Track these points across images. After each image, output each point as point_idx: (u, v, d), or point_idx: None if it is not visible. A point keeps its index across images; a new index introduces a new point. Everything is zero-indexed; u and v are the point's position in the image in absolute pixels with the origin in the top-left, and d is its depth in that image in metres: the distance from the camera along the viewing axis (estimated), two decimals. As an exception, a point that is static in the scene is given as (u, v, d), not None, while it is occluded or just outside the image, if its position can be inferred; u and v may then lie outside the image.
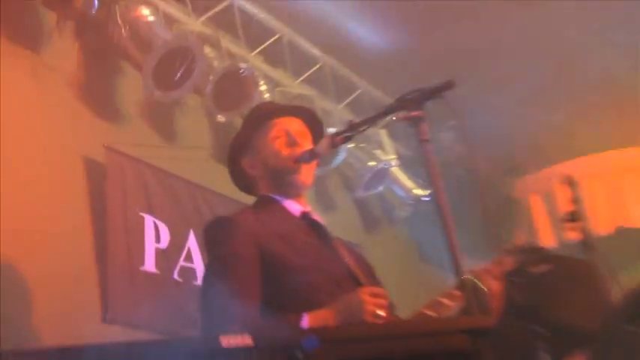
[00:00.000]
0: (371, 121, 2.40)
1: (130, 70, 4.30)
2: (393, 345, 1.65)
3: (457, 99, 2.10)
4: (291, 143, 2.55)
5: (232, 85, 4.45)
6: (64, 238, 3.53)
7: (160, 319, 3.76)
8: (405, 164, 5.66)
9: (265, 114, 2.68)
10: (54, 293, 3.36)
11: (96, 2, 3.81)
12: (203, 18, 4.55)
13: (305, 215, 2.56)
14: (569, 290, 2.93)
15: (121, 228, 3.87)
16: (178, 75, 4.14)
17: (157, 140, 4.42)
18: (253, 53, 4.83)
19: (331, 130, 3.89)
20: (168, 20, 4.32)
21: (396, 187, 5.78)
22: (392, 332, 1.72)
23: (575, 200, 3.15)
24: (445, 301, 2.35)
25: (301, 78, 5.15)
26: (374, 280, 2.54)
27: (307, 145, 2.57)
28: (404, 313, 2.47)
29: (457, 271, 1.97)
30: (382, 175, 5.55)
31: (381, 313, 2.15)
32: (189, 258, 4.15)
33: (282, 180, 2.55)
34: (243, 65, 4.52)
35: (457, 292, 2.26)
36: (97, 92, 4.13)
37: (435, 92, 2.14)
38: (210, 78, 4.36)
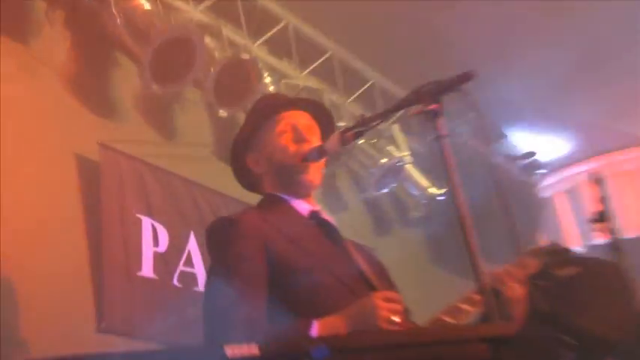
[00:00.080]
0: (384, 116, 2.39)
1: (126, 63, 4.31)
2: (409, 354, 1.63)
3: (476, 91, 2.10)
4: (299, 139, 2.54)
5: (234, 78, 4.45)
6: (55, 243, 3.53)
7: (159, 328, 3.75)
8: (420, 161, 5.66)
9: (271, 107, 2.66)
10: (43, 302, 3.36)
11: (88, -11, 3.83)
12: (203, 6, 4.56)
13: (314, 214, 2.55)
14: (597, 295, 2.92)
15: (116, 231, 3.87)
16: (177, 67, 4.15)
17: (155, 137, 4.43)
18: (257, 43, 4.84)
19: (341, 125, 3.88)
20: (167, 8, 4.32)
21: (410, 186, 5.78)
22: (407, 340, 1.70)
23: (603, 199, 3.14)
24: (464, 306, 2.33)
25: (308, 69, 5.16)
26: (389, 284, 2.53)
27: (315, 141, 2.56)
28: (420, 319, 2.46)
29: (477, 274, 1.96)
30: (395, 172, 5.55)
31: (396, 319, 2.13)
32: (189, 262, 4.15)
33: (290, 179, 2.54)
34: (246, 56, 4.52)
35: (477, 297, 2.25)
36: (91, 86, 4.13)
37: (453, 84, 2.12)
38: (211, 70, 4.36)
